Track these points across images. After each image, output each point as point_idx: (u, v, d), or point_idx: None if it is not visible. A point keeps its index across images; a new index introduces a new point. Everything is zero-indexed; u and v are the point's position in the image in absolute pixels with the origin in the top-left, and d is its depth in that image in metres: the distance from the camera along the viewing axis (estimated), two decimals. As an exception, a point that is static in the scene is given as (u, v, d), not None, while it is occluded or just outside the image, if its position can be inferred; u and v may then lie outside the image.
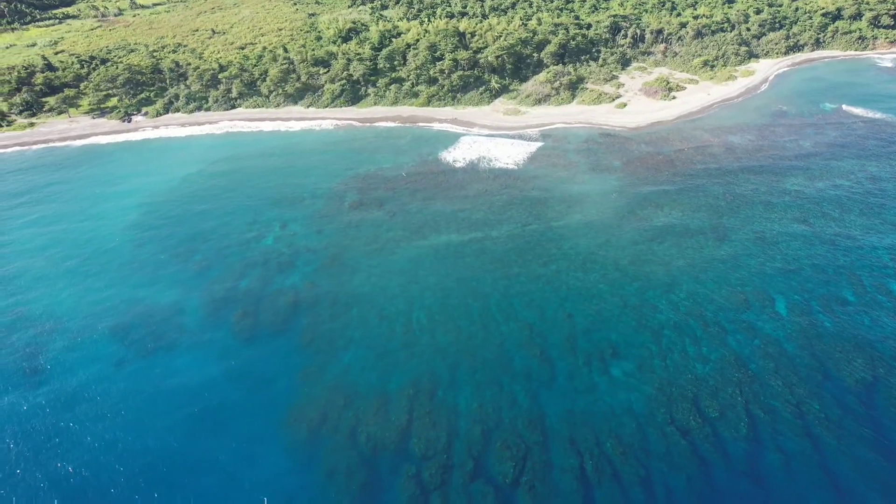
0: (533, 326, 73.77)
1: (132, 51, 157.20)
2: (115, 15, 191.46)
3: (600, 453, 59.27)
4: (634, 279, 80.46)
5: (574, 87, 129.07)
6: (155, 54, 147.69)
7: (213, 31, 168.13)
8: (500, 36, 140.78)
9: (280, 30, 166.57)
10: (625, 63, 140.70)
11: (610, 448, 59.69)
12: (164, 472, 59.07)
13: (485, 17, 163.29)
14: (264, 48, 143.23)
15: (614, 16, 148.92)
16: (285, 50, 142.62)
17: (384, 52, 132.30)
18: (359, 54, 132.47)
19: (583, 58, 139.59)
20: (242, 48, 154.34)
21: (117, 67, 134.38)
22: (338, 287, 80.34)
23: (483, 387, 66.36)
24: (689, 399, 63.93)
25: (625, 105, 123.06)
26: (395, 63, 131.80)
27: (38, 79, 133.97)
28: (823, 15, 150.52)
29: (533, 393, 65.67)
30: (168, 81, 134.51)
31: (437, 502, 55.87)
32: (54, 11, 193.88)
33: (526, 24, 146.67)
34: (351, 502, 56.17)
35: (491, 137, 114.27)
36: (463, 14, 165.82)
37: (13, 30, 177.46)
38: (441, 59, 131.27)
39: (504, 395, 65.54)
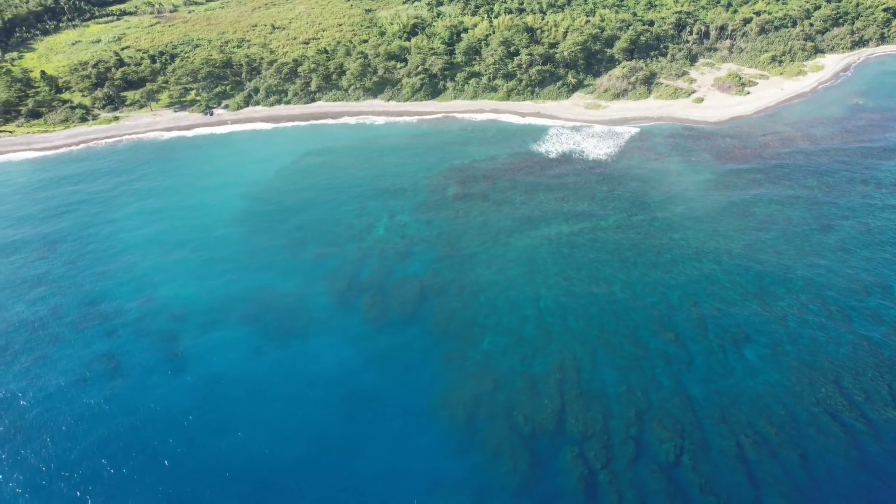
0: (660, 312, 75.44)
1: (197, 46, 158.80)
2: (171, 11, 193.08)
3: (755, 433, 60.84)
4: (749, 267, 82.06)
5: (649, 82, 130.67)
6: (224, 49, 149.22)
7: (273, 27, 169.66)
8: (568, 31, 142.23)
9: (340, 25, 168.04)
10: (692, 59, 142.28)
11: (763, 428, 61.26)
12: (326, 459, 60.39)
13: (542, 12, 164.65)
14: (338, 42, 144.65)
15: (679, 12, 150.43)
16: (351, 44, 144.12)
17: (461, 46, 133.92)
18: (433, 49, 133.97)
19: (651, 54, 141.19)
20: (306, 43, 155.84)
21: (194, 62, 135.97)
22: (460, 276, 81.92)
23: (626, 370, 68.01)
24: (830, 381, 65.49)
25: (701, 100, 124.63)
26: (472, 58, 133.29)
27: (117, 74, 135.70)
28: (885, 10, 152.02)
29: (675, 375, 67.31)
30: (244, 75, 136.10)
31: (605, 481, 57.48)
32: (111, 8, 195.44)
33: (590, 20, 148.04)
34: (520, 483, 57.77)
35: (577, 131, 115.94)
36: (521, 10, 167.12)
37: (74, 27, 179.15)
38: (516, 54, 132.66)
39: (647, 377, 67.19)
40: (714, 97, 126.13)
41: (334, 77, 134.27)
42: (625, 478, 57.52)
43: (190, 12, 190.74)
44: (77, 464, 60.55)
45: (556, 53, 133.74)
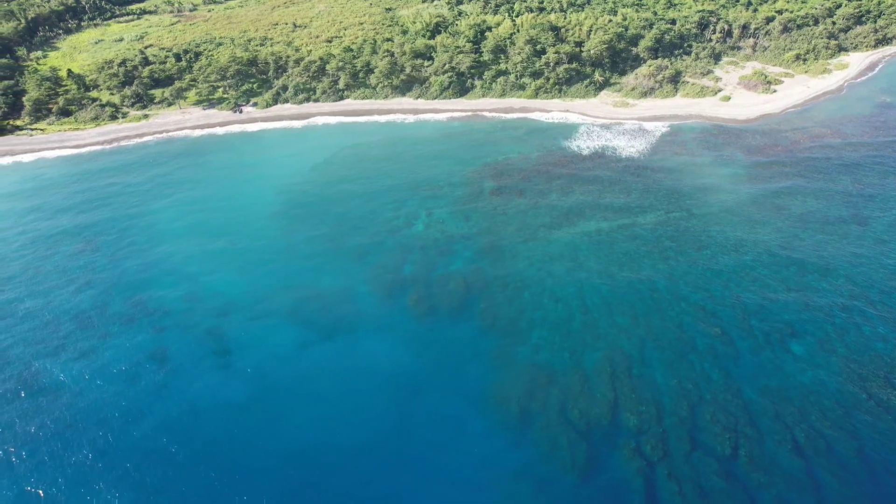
0: (704, 307, 75.90)
1: (220, 44, 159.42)
2: (190, 10, 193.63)
3: (808, 427, 61.31)
4: (790, 263, 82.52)
5: (675, 80, 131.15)
6: (249, 47, 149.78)
7: (295, 25, 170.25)
8: (591, 30, 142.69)
9: (361, 24, 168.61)
10: (716, 57, 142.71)
11: (816, 422, 61.69)
12: (381, 449, 60.81)
13: (563, 11, 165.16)
14: (364, 40, 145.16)
15: (701, 11, 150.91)
16: (375, 42, 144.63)
17: (488, 45, 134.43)
18: (459, 47, 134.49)
19: (676, 52, 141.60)
20: (329, 41, 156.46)
21: (220, 60, 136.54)
22: (503, 272, 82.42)
23: (674, 364, 68.50)
24: (881, 377, 65.91)
25: (728, 98, 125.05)
26: (498, 56, 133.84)
27: (144, 72, 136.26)
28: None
29: (724, 370, 67.80)
30: (270, 73, 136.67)
31: (663, 473, 57.98)
32: (131, 7, 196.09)
33: (612, 20, 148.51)
34: (579, 475, 58.28)
35: (607, 128, 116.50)
36: (541, 9, 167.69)
37: (95, 25, 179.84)
38: (543, 52, 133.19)
39: (696, 371, 67.69)
40: (741, 95, 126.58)
41: (361, 75, 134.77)
42: (683, 471, 58.00)
43: (210, 11, 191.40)
44: (131, 453, 61.20)
45: (581, 52, 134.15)
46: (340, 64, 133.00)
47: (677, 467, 58.33)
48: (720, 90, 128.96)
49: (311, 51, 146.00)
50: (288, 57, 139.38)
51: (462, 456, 60.53)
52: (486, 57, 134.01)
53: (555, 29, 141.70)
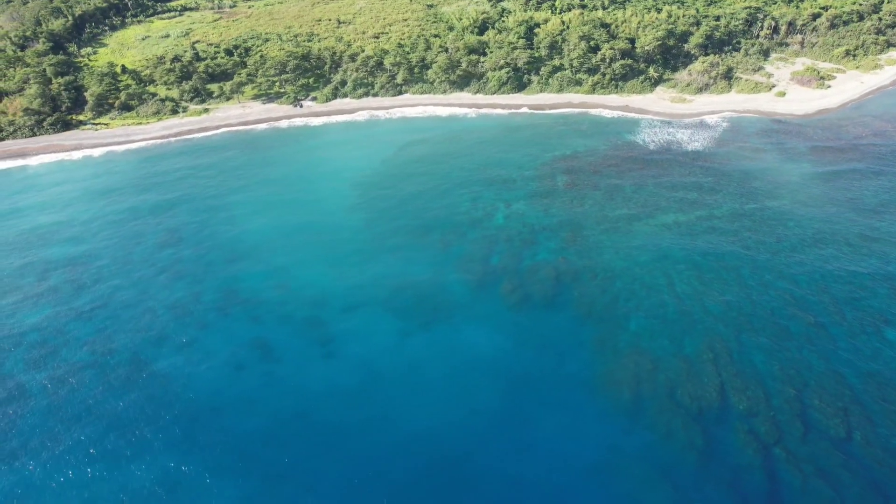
0: (793, 296, 77.32)
1: (267, 40, 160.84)
2: (231, 7, 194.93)
3: (918, 411, 62.55)
4: (871, 254, 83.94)
5: (728, 76, 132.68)
6: (300, 43, 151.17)
7: (339, 22, 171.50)
8: (639, 27, 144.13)
9: (405, 20, 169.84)
10: (764, 54, 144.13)
11: (927, 408, 62.95)
12: (494, 435, 61.90)
13: (605, 8, 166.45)
14: (418, 35, 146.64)
15: (748, 7, 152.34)
16: (424, 38, 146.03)
17: (544, 41, 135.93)
18: (512, 43, 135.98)
19: (725, 49, 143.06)
20: (377, 37, 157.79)
21: (277, 55, 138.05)
22: (591, 262, 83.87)
23: (773, 351, 69.90)
24: (982, 364, 67.20)
25: (783, 94, 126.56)
26: (553, 52, 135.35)
27: (200, 67, 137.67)
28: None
29: (823, 356, 69.17)
30: (326, 68, 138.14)
31: (780, 455, 59.35)
32: (171, 3, 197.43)
33: (658, 17, 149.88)
34: (698, 457, 59.60)
35: (668, 123, 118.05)
36: (583, 6, 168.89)
37: (139, 22, 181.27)
38: (597, 49, 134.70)
39: (796, 358, 69.03)
40: (795, 91, 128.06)
41: (416, 70, 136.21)
42: (800, 452, 59.28)
43: (250, 7, 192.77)
44: (250, 441, 62.28)
45: (634, 49, 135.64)
46: (397, 59, 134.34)
47: (794, 449, 59.66)
48: (774, 86, 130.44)
49: (362, 47, 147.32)
50: (342, 52, 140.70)
51: (580, 440, 61.78)
52: (542, 53, 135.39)
53: (605, 26, 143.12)
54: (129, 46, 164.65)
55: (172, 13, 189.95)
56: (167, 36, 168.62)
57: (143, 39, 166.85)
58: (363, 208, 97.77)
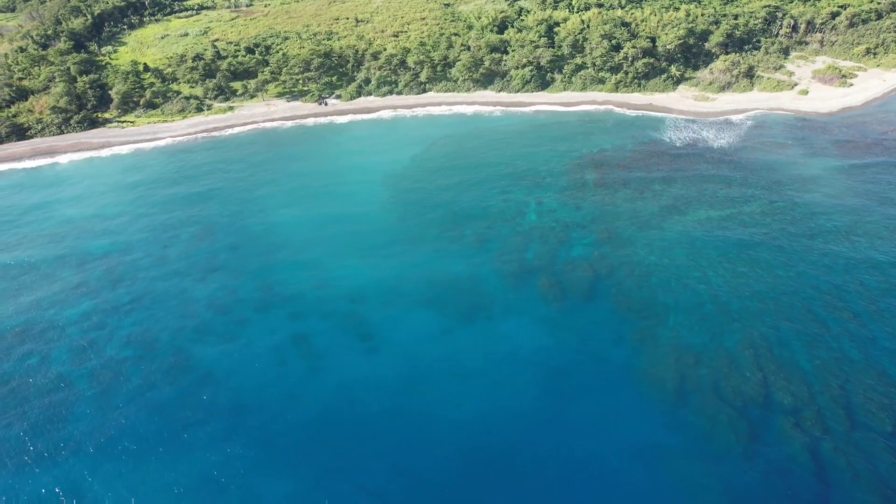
0: (829, 292, 77.74)
1: (286, 38, 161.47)
2: (247, 6, 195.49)
3: (964, 406, 62.96)
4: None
5: (749, 75, 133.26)
6: (322, 42, 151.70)
7: (357, 20, 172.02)
8: (658, 25, 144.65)
9: (423, 18, 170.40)
10: (784, 52, 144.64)
11: (971, 403, 63.36)
12: (539, 428, 62.38)
13: (622, 7, 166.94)
14: (440, 34, 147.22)
15: (767, 6, 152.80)
16: (444, 37, 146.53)
17: (567, 40, 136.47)
18: (534, 42, 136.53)
19: (745, 48, 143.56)
20: (396, 36, 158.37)
21: (301, 52, 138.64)
22: (626, 258, 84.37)
23: (813, 346, 70.35)
24: None
25: (806, 92, 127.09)
26: (575, 50, 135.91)
27: (223, 65, 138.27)
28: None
29: (863, 351, 69.59)
30: (349, 66, 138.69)
31: (828, 448, 59.75)
32: (188, 3, 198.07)
33: (677, 16, 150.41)
34: (744, 451, 60.00)
35: (693, 121, 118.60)
36: (600, 5, 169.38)
37: (157, 21, 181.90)
38: (619, 47, 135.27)
39: (837, 353, 69.42)
40: (818, 89, 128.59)
41: (439, 68, 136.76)
42: (848, 446, 59.66)
43: (266, 6, 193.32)
44: (299, 436, 62.38)
45: (655, 47, 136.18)
46: (420, 58, 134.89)
47: (841, 443, 60.03)
48: (796, 84, 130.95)
49: (384, 46, 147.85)
50: (364, 51, 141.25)
51: (625, 434, 62.15)
52: (565, 51, 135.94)
53: (625, 24, 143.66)
54: (149, 45, 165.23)
55: (189, 12, 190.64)
56: (186, 34, 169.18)
57: (161, 38, 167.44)
58: (395, 204, 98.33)
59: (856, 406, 63.64)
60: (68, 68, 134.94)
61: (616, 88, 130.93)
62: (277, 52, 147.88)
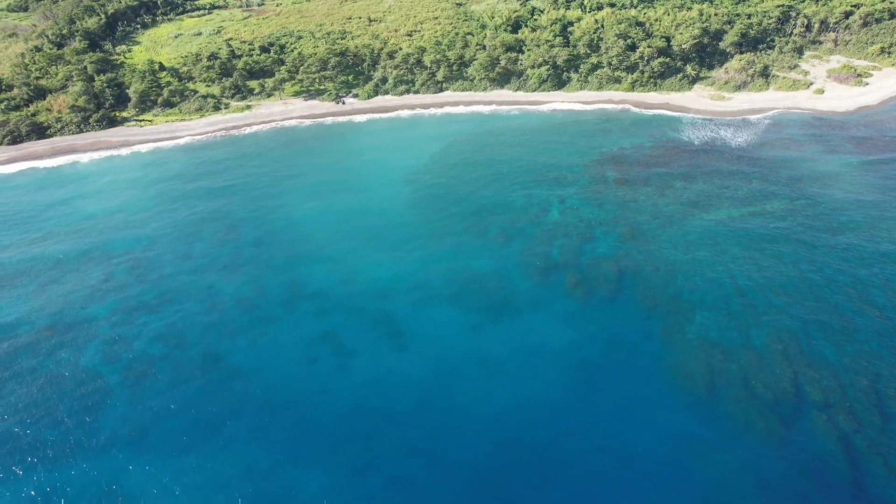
0: (855, 290, 77.98)
1: (300, 37, 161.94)
2: (259, 5, 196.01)
3: None
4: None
5: (764, 74, 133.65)
6: (336, 41, 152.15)
7: (370, 20, 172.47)
8: (673, 25, 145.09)
9: (436, 18, 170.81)
10: (798, 51, 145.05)
11: None
12: (578, 427, 62.42)
13: (633, 6, 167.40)
14: (455, 33, 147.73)
15: (781, 6, 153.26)
16: (458, 36, 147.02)
17: (583, 39, 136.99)
18: (549, 41, 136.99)
19: (759, 47, 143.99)
20: (409, 35, 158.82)
21: (317, 51, 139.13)
22: (650, 256, 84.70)
23: (841, 343, 70.60)
24: None
25: (822, 91, 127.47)
26: (591, 50, 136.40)
27: (239, 64, 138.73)
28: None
29: (891, 346, 69.91)
30: (366, 65, 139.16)
31: (862, 444, 59.96)
32: (200, 2, 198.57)
33: (690, 15, 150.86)
34: (778, 446, 60.24)
35: (710, 120, 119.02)
36: (612, 4, 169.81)
37: (169, 20, 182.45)
38: (634, 47, 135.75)
39: (866, 349, 69.68)
40: (833, 88, 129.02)
41: (455, 68, 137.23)
42: (882, 442, 59.88)
43: (278, 6, 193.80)
44: (330, 433, 62.58)
45: (670, 47, 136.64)
46: (436, 57, 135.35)
47: (875, 439, 60.29)
48: (811, 83, 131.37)
49: (399, 45, 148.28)
50: (379, 50, 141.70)
51: (658, 430, 62.35)
52: (579, 50, 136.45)
53: (640, 24, 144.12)
54: (163, 44, 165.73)
55: (202, 11, 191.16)
56: (199, 34, 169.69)
57: (175, 37, 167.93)
58: (418, 201, 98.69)
59: (888, 402, 63.92)
60: (85, 67, 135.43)
61: (632, 88, 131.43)
62: (292, 51, 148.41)
